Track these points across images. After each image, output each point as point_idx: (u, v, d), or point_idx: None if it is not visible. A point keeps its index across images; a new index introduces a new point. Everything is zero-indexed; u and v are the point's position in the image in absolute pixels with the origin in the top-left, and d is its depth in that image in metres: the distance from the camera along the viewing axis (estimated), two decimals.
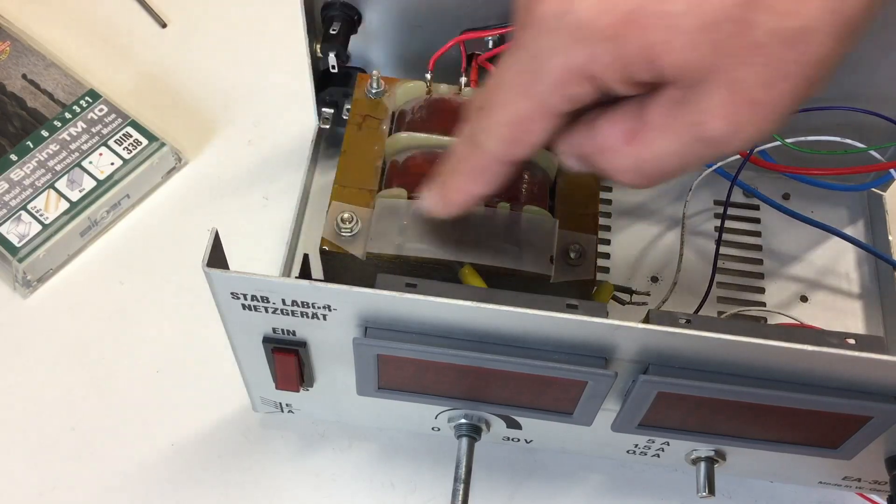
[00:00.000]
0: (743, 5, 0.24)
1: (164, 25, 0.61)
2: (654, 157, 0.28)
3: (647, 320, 0.36)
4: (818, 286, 0.51)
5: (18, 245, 0.49)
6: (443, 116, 0.44)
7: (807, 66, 0.25)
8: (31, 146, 0.52)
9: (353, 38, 0.47)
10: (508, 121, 0.29)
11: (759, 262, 0.51)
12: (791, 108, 0.26)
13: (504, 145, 0.30)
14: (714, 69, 0.25)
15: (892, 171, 0.48)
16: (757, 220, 0.53)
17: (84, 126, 0.53)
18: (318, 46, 0.46)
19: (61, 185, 0.51)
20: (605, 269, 0.50)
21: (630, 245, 0.51)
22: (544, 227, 0.40)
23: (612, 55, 0.26)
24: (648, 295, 0.47)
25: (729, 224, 0.51)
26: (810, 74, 0.25)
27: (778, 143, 0.46)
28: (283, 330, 0.35)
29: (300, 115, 0.55)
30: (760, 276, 0.51)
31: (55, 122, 0.53)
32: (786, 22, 0.24)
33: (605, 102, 0.29)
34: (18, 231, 0.49)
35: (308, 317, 0.33)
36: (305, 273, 0.41)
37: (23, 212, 0.50)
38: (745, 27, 0.24)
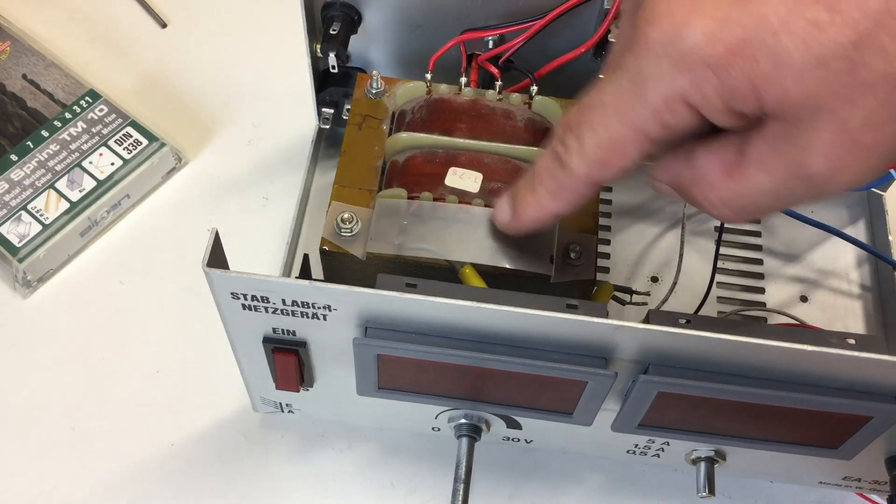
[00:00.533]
0: (855, 45, 0.24)
1: (164, 25, 0.61)
2: (751, 192, 0.28)
3: (647, 320, 0.36)
4: (818, 286, 0.51)
5: (18, 245, 0.49)
6: (443, 116, 0.44)
7: None
8: (32, 146, 0.52)
9: (353, 38, 0.47)
10: (601, 143, 0.29)
11: (759, 262, 0.51)
12: (894, 152, 0.26)
13: (592, 167, 0.30)
14: (820, 107, 0.25)
15: (892, 171, 0.48)
16: (757, 220, 0.53)
17: (84, 126, 0.53)
18: (318, 46, 0.46)
19: (61, 185, 0.51)
20: (605, 269, 0.50)
21: (630, 245, 0.51)
22: (544, 227, 0.40)
23: (717, 84, 0.25)
24: (648, 295, 0.47)
25: (729, 224, 0.51)
26: None
27: None
28: (283, 330, 0.35)
29: (300, 115, 0.55)
30: (760, 276, 0.51)
31: (55, 122, 0.53)
32: None
33: (705, 132, 0.29)
34: (18, 231, 0.49)
35: (308, 317, 0.33)
36: (305, 273, 0.41)
37: (23, 212, 0.50)
38: (856, 67, 0.24)
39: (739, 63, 0.25)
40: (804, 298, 0.50)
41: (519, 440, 0.43)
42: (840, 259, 0.52)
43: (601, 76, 0.29)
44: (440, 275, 0.39)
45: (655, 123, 0.27)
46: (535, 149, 0.42)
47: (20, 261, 0.48)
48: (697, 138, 0.29)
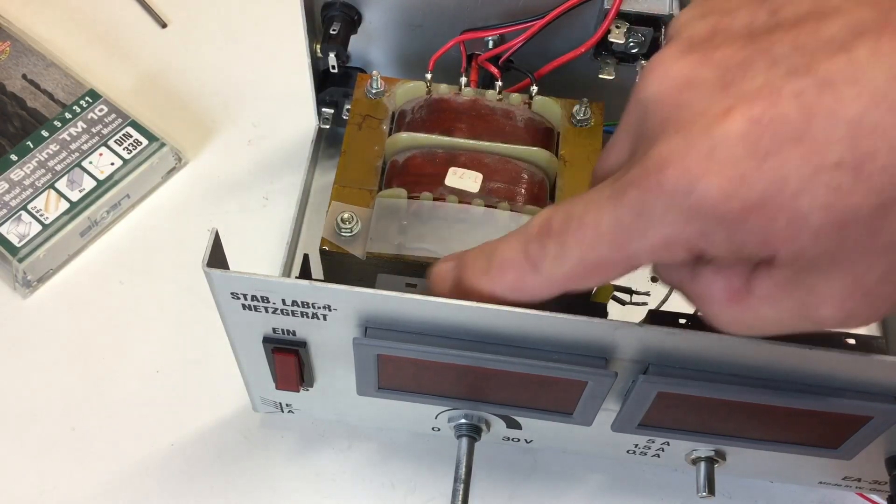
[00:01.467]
0: (877, 212, 0.23)
1: (164, 25, 0.61)
2: (756, 321, 0.27)
3: (647, 320, 0.36)
4: None
5: (18, 245, 0.49)
6: (443, 116, 0.44)
7: None
8: (31, 146, 0.52)
9: (353, 38, 0.47)
10: (585, 261, 0.28)
11: None
12: None
13: (567, 280, 0.29)
14: (834, 263, 0.24)
15: None
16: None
17: (84, 126, 0.53)
18: (318, 46, 0.46)
19: (61, 185, 0.51)
20: None
21: None
22: None
23: (727, 237, 0.25)
24: (648, 295, 0.47)
25: None
26: None
27: None
28: (283, 330, 0.35)
29: (300, 115, 0.55)
30: None
31: (55, 122, 0.53)
32: None
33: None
34: (18, 231, 0.49)
35: (308, 317, 0.33)
36: (305, 273, 0.41)
37: (23, 212, 0.50)
38: (877, 231, 0.23)
39: (754, 220, 0.24)
40: None
41: (519, 440, 0.43)
42: None
43: (596, 191, 0.27)
44: None
45: (649, 258, 0.27)
46: (535, 149, 0.42)
47: (20, 261, 0.48)
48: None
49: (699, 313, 0.29)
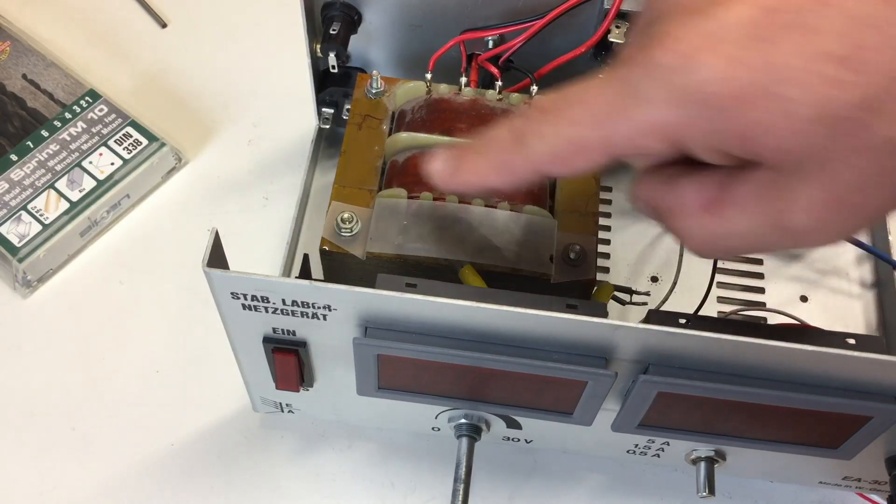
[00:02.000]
0: (867, 108, 0.23)
1: (164, 25, 0.61)
2: (728, 232, 0.27)
3: (647, 320, 0.36)
4: (818, 286, 0.51)
5: (18, 245, 0.49)
6: (443, 116, 0.44)
7: None
8: (31, 146, 0.52)
9: (353, 38, 0.47)
10: (568, 139, 0.28)
11: (759, 262, 0.51)
12: (877, 218, 0.25)
13: (549, 158, 0.28)
14: (814, 161, 0.24)
15: None
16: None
17: (84, 126, 0.53)
18: (318, 46, 0.46)
19: (61, 185, 0.51)
20: (605, 269, 0.50)
21: (630, 245, 0.51)
22: (544, 227, 0.41)
23: (711, 125, 0.24)
24: (648, 295, 0.47)
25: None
26: None
27: None
28: (283, 330, 0.35)
29: (300, 115, 0.55)
30: (760, 276, 0.51)
31: (55, 122, 0.53)
32: None
33: (690, 163, 0.28)
34: (18, 231, 0.49)
35: (308, 317, 0.33)
36: (305, 273, 0.41)
37: (23, 212, 0.50)
38: (862, 129, 0.23)
39: (742, 107, 0.23)
40: (804, 298, 0.50)
41: (519, 440, 0.43)
42: (840, 259, 0.52)
43: (600, 76, 0.28)
44: (440, 275, 0.39)
45: (630, 144, 0.26)
46: None
47: (20, 261, 0.48)
48: (683, 165, 0.28)
49: (670, 232, 0.29)
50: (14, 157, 0.51)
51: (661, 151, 0.26)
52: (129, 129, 0.53)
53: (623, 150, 0.27)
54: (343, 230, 0.40)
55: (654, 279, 0.50)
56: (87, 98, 0.54)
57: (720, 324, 0.42)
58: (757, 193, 0.26)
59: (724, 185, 0.27)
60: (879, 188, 0.24)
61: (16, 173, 0.51)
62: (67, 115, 0.53)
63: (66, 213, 0.50)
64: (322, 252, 0.41)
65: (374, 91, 0.45)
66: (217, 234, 0.31)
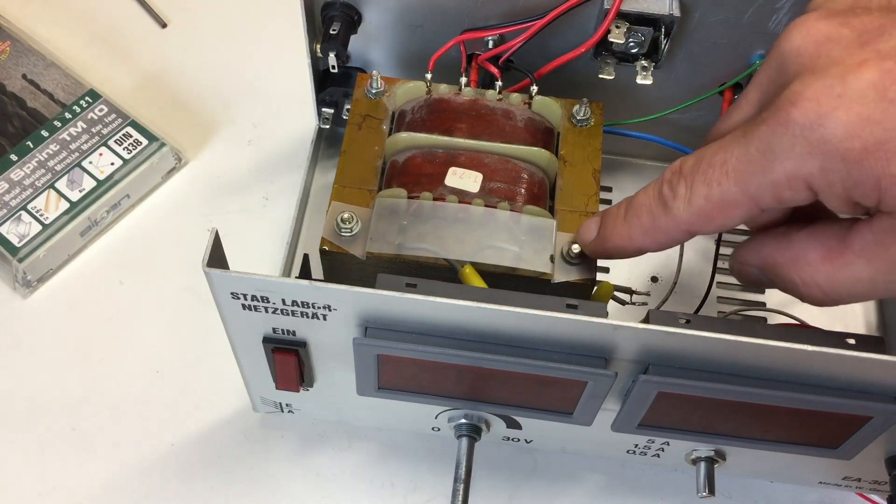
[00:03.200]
0: None
1: (164, 25, 0.61)
2: (848, 280, 0.29)
3: (647, 320, 0.36)
4: None
5: (18, 245, 0.49)
6: (443, 116, 0.44)
7: None
8: (31, 146, 0.52)
9: (353, 38, 0.47)
10: (711, 198, 0.30)
11: None
12: None
13: (695, 218, 0.31)
14: None
15: None
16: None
17: (84, 126, 0.53)
18: (318, 46, 0.46)
19: (61, 185, 0.51)
20: (605, 269, 0.50)
21: None
22: (544, 227, 0.40)
23: (845, 175, 0.26)
24: (648, 295, 0.47)
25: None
26: None
27: None
28: (283, 330, 0.35)
29: (300, 115, 0.55)
30: None
31: (55, 122, 0.53)
32: None
33: (802, 219, 0.30)
34: (18, 231, 0.49)
35: (308, 317, 0.33)
36: (305, 273, 0.41)
37: (23, 212, 0.50)
38: None
39: (873, 160, 0.26)
40: None
41: (519, 440, 0.43)
42: None
43: (729, 136, 0.30)
44: (440, 275, 0.39)
45: (771, 196, 0.28)
46: (534, 149, 0.42)
47: (20, 261, 0.48)
48: (795, 224, 0.31)
49: (786, 288, 0.31)
50: (14, 157, 0.51)
51: (800, 200, 0.28)
52: (129, 129, 0.53)
53: (767, 202, 0.29)
54: (343, 230, 0.40)
55: (654, 279, 0.50)
56: (87, 98, 0.54)
57: (720, 324, 0.42)
58: (879, 241, 0.28)
59: (844, 236, 0.29)
60: None
61: (16, 173, 0.51)
62: (67, 115, 0.53)
63: (66, 213, 0.50)
64: (322, 252, 0.41)
65: (374, 91, 0.45)
66: (217, 234, 0.31)
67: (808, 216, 0.31)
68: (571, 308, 0.33)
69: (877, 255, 0.28)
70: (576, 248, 0.40)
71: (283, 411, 0.44)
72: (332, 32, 0.45)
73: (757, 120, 0.28)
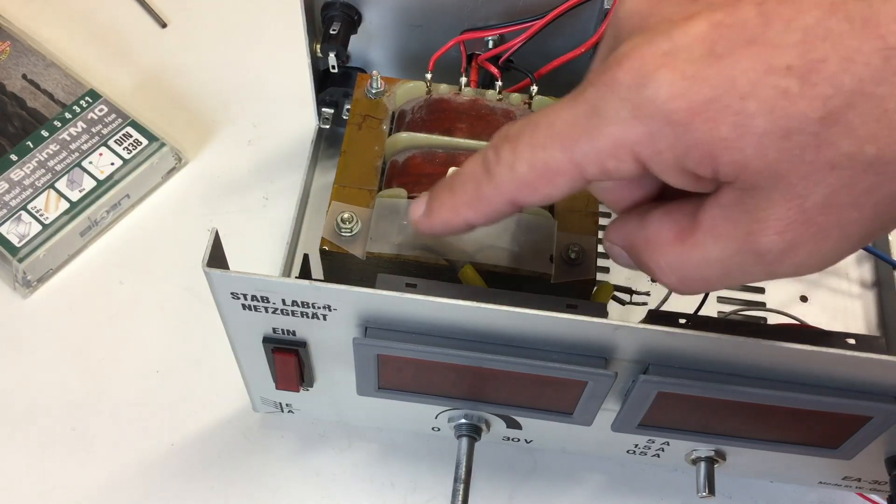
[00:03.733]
0: (824, 121, 0.23)
1: (164, 25, 0.61)
2: (699, 261, 0.27)
3: (647, 320, 0.36)
4: (818, 286, 0.51)
5: (18, 245, 0.49)
6: (443, 116, 0.44)
7: (879, 199, 0.23)
8: (31, 146, 0.52)
9: (353, 38, 0.47)
10: (534, 164, 0.28)
11: None
12: (856, 240, 0.25)
13: (518, 186, 0.28)
14: (778, 179, 0.24)
15: None
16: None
17: (84, 126, 0.53)
18: (318, 46, 0.46)
19: (61, 185, 0.51)
20: (605, 269, 0.50)
21: None
22: (544, 227, 0.41)
23: (673, 141, 0.24)
24: (648, 295, 0.47)
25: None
26: (882, 210, 0.24)
27: None
28: (283, 330, 0.35)
29: (300, 115, 0.55)
30: None
31: (55, 122, 0.53)
32: (864, 147, 0.23)
33: (668, 197, 0.28)
34: (18, 231, 0.49)
35: (308, 317, 0.33)
36: (305, 273, 0.41)
37: (23, 212, 0.50)
38: (821, 144, 0.23)
39: (700, 124, 0.24)
40: (804, 298, 0.50)
41: (519, 440, 0.43)
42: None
43: (564, 98, 0.28)
44: (440, 275, 0.39)
45: (596, 165, 0.26)
46: None
47: (20, 261, 0.48)
48: (655, 202, 0.28)
49: (646, 270, 0.29)
50: (14, 157, 0.51)
51: (627, 172, 0.26)
52: (129, 129, 0.53)
53: (591, 172, 0.27)
54: (343, 230, 0.40)
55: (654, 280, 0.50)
56: (87, 98, 0.54)
57: (720, 324, 0.42)
58: (726, 216, 0.25)
59: (694, 213, 0.26)
60: (851, 209, 0.24)
61: (16, 173, 0.51)
62: (67, 115, 0.53)
63: (66, 213, 0.50)
64: (322, 252, 0.41)
65: (374, 91, 0.45)
66: (217, 234, 0.31)
67: (672, 194, 0.29)
68: (571, 308, 0.33)
69: (725, 233, 0.25)
70: (576, 248, 0.40)
71: (283, 411, 0.44)
72: (332, 32, 0.45)
73: (585, 82, 0.26)
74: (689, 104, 0.24)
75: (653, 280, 0.30)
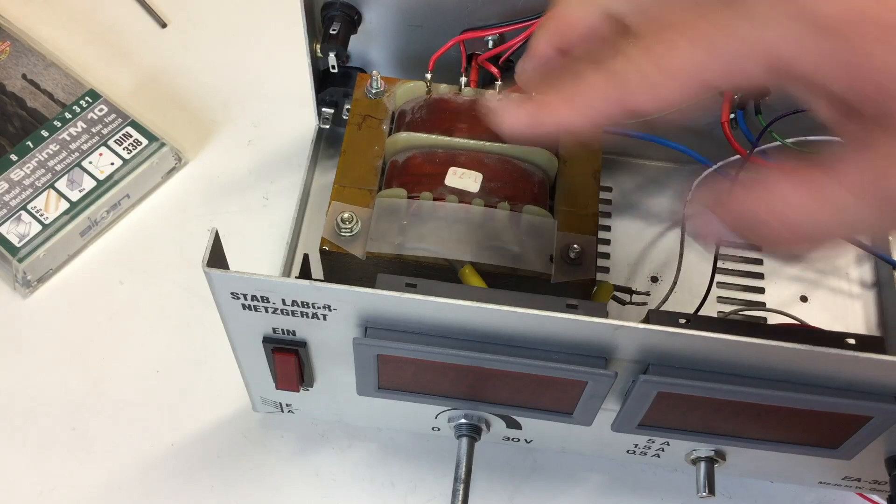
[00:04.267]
0: None
1: (164, 25, 0.61)
2: (829, 211, 0.24)
3: (647, 320, 0.36)
4: (818, 286, 0.51)
5: (18, 245, 0.49)
6: (443, 116, 0.44)
7: None
8: (31, 146, 0.52)
9: (353, 38, 0.47)
10: (669, 67, 0.25)
11: (759, 262, 0.51)
12: None
13: (647, 88, 0.26)
14: None
15: None
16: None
17: (84, 126, 0.53)
18: (318, 46, 0.46)
19: (61, 185, 0.51)
20: (605, 269, 0.50)
21: (630, 245, 0.51)
22: (544, 227, 0.41)
23: (824, 53, 0.22)
24: (648, 295, 0.47)
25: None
26: None
27: (778, 143, 0.46)
28: (283, 330, 0.35)
29: (300, 115, 0.55)
30: (760, 276, 0.51)
31: (55, 122, 0.53)
32: None
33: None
34: (18, 231, 0.49)
35: (308, 317, 0.33)
36: (305, 273, 0.41)
37: (23, 212, 0.50)
38: None
39: (855, 36, 0.21)
40: (804, 298, 0.50)
41: (519, 440, 0.43)
42: (840, 259, 0.52)
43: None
44: (440, 275, 0.39)
45: (732, 67, 0.24)
46: (534, 148, 0.42)
47: (20, 261, 0.48)
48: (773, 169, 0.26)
49: (760, 231, 0.26)
50: (14, 157, 0.51)
51: (759, 78, 0.24)
52: (129, 129, 0.53)
53: (721, 74, 0.24)
54: (343, 230, 0.40)
55: (654, 279, 0.50)
56: (87, 98, 0.54)
57: (720, 324, 0.42)
58: (857, 155, 0.23)
59: (822, 163, 0.24)
60: None
61: (16, 173, 0.51)
62: (67, 115, 0.53)
63: (66, 213, 0.50)
64: (322, 252, 0.41)
65: (374, 91, 0.45)
66: (217, 234, 0.31)
67: None
68: (571, 308, 0.33)
69: (860, 178, 0.23)
70: (576, 248, 0.40)
71: (283, 411, 0.44)
72: (332, 32, 0.45)
73: None
74: (850, 15, 0.21)
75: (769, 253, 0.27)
